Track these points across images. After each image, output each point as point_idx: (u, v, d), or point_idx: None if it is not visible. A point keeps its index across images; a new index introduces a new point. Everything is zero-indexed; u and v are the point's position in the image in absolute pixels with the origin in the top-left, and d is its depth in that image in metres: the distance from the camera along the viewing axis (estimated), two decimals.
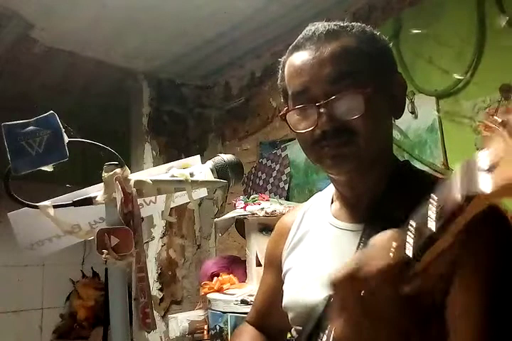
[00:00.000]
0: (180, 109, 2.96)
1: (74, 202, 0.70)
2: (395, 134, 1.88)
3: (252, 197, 2.08)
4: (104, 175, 0.69)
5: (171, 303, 2.68)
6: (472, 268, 0.60)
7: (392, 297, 0.42)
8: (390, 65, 0.76)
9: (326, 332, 0.61)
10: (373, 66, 0.71)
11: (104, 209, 0.69)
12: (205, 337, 2.10)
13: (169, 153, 2.82)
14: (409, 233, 0.41)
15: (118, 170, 0.68)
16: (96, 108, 3.05)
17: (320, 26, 0.73)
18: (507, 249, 0.62)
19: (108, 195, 0.68)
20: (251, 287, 1.91)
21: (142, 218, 0.72)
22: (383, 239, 0.44)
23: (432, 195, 0.39)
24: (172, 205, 0.78)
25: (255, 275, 1.95)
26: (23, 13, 2.09)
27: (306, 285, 0.75)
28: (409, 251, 0.41)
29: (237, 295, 1.81)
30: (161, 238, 2.71)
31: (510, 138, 0.32)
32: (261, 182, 2.57)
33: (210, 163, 0.79)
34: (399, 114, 0.76)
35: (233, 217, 2.01)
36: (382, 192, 0.70)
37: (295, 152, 2.33)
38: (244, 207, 1.99)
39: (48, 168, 0.66)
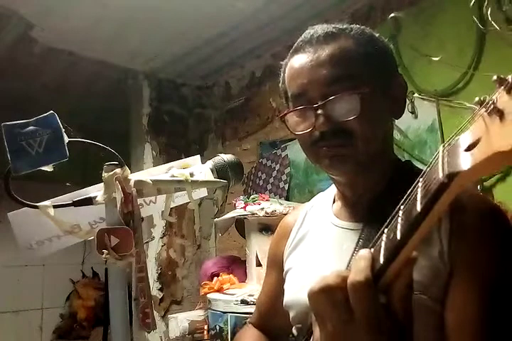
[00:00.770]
0: (180, 109, 2.96)
1: (74, 202, 0.70)
2: (395, 134, 1.88)
3: (252, 197, 2.08)
4: (104, 175, 0.68)
5: (171, 303, 2.68)
6: (471, 268, 0.60)
7: (369, 308, 0.42)
8: (389, 66, 0.76)
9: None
10: (371, 67, 0.71)
11: (104, 209, 0.69)
12: (205, 337, 2.10)
13: (169, 153, 2.82)
14: (398, 219, 0.41)
15: (118, 170, 0.68)
16: (96, 108, 3.05)
17: (319, 29, 0.74)
18: (507, 249, 0.62)
19: (108, 195, 0.68)
20: (251, 287, 1.91)
21: (142, 218, 0.72)
22: (357, 256, 0.44)
23: (419, 178, 0.40)
24: (172, 205, 0.78)
25: (255, 275, 1.95)
26: (23, 13, 2.09)
27: (307, 284, 0.75)
28: (381, 259, 0.41)
29: (237, 295, 1.81)
30: (161, 238, 2.71)
31: (489, 117, 0.32)
32: (261, 182, 2.57)
33: (210, 163, 0.79)
34: (399, 114, 0.77)
35: (233, 217, 2.01)
36: (382, 191, 0.71)
37: (295, 152, 2.32)
38: (244, 207, 1.99)
39: (48, 168, 0.66)
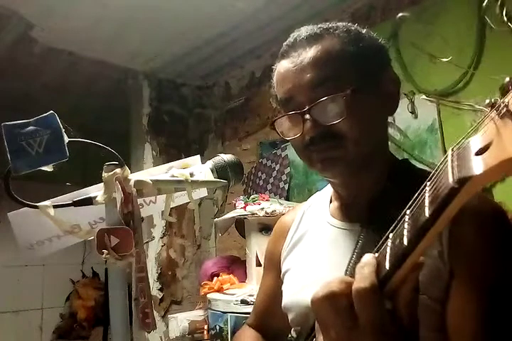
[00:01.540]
0: (180, 109, 2.96)
1: (74, 202, 0.70)
2: (395, 134, 1.88)
3: (252, 197, 2.08)
4: (104, 175, 0.68)
5: (171, 303, 2.68)
6: (471, 269, 0.60)
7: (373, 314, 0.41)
8: (378, 62, 0.74)
9: None
10: (358, 66, 0.70)
11: (104, 209, 0.69)
12: (205, 337, 2.10)
13: (169, 153, 2.82)
14: (404, 224, 0.40)
15: (118, 170, 0.68)
16: (96, 108, 3.05)
17: (303, 31, 0.73)
18: (508, 249, 0.61)
19: (108, 195, 0.68)
20: (251, 287, 1.91)
21: (142, 218, 0.72)
22: (362, 262, 0.44)
23: (426, 182, 0.39)
24: (172, 205, 0.78)
25: (255, 276, 1.95)
26: (23, 13, 2.09)
27: (305, 286, 0.75)
28: (387, 264, 0.41)
29: (237, 295, 1.81)
30: (161, 238, 2.71)
31: (500, 120, 0.31)
32: (261, 182, 2.57)
33: (210, 163, 0.79)
34: (392, 110, 0.75)
35: (233, 217, 2.01)
36: (380, 191, 0.70)
37: (295, 152, 2.32)
38: (244, 207, 1.99)
39: (48, 168, 0.66)
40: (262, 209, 1.92)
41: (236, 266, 2.18)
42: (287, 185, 2.41)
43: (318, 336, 0.48)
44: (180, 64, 2.70)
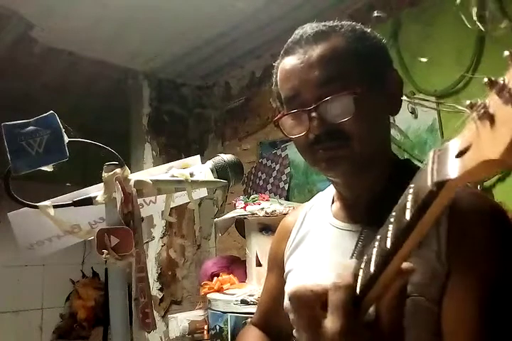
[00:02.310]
0: (180, 109, 2.96)
1: (74, 202, 0.70)
2: (395, 134, 1.88)
3: (252, 197, 2.08)
4: (104, 175, 0.69)
5: (171, 303, 2.68)
6: (469, 269, 0.59)
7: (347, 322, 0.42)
8: (382, 62, 0.74)
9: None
10: (364, 65, 0.70)
11: (104, 209, 0.69)
12: (205, 337, 2.10)
13: (169, 153, 2.82)
14: (389, 226, 0.40)
15: (118, 170, 0.68)
16: (96, 108, 3.05)
17: (308, 28, 0.73)
18: (507, 249, 0.61)
19: (108, 195, 0.68)
20: (251, 287, 1.91)
21: (142, 218, 0.72)
22: (343, 268, 0.44)
23: (410, 184, 0.39)
24: (172, 205, 0.78)
25: (255, 276, 1.95)
26: (23, 13, 2.09)
27: None
28: (372, 267, 0.41)
29: (237, 295, 1.81)
30: (161, 238, 2.71)
31: (480, 122, 0.31)
32: (261, 182, 2.57)
33: (210, 163, 0.79)
34: (395, 111, 0.75)
35: (233, 217, 2.01)
36: (381, 191, 0.70)
37: (295, 152, 2.31)
38: (244, 207, 1.99)
39: (48, 168, 0.66)
40: (262, 209, 1.92)
41: (236, 266, 2.18)
42: (287, 185, 2.41)
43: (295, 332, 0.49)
44: (180, 64, 2.70)
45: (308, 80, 0.69)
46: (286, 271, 0.85)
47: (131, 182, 0.69)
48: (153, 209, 0.83)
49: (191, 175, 0.75)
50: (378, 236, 0.43)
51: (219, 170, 0.78)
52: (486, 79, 0.30)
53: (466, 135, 0.32)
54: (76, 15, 2.12)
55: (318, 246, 0.79)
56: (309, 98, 0.69)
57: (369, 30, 0.75)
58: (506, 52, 0.29)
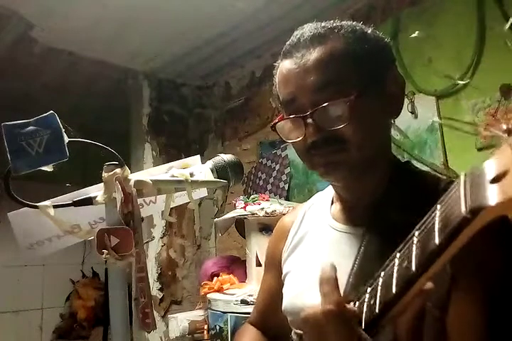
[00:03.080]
0: (180, 109, 2.96)
1: (74, 202, 0.70)
2: (395, 134, 1.88)
3: (252, 197, 2.08)
4: (104, 175, 0.68)
5: (171, 303, 2.68)
6: (473, 273, 0.58)
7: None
8: (383, 63, 0.73)
9: None
10: (363, 67, 0.68)
11: (104, 209, 0.69)
12: (205, 337, 2.10)
13: (169, 153, 2.82)
14: (413, 247, 0.39)
15: (118, 170, 0.68)
16: (96, 108, 3.06)
17: (307, 30, 0.71)
18: (510, 252, 0.60)
19: (108, 195, 0.68)
20: (251, 287, 1.91)
21: (142, 218, 0.72)
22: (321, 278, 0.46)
23: (437, 205, 0.37)
24: (172, 205, 0.78)
25: (255, 276, 1.95)
26: (23, 13, 2.09)
27: (305, 289, 0.74)
28: (394, 288, 0.41)
29: (237, 295, 1.81)
30: (161, 238, 2.71)
31: None
32: (261, 182, 2.57)
33: (210, 163, 0.79)
34: (396, 113, 0.74)
35: (233, 217, 2.01)
36: (382, 194, 0.69)
37: (295, 152, 2.32)
38: (244, 207, 1.98)
39: (48, 168, 0.66)
40: (262, 209, 1.92)
41: (236, 266, 2.18)
42: (287, 185, 2.41)
43: None
44: (180, 64, 2.70)
45: (304, 85, 0.68)
46: (284, 272, 0.84)
47: (131, 182, 0.69)
48: (153, 209, 0.83)
49: (191, 175, 0.75)
50: (398, 255, 0.41)
51: (219, 170, 0.78)
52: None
53: (502, 160, 0.31)
54: (76, 15, 2.12)
55: (318, 248, 0.78)
56: (305, 103, 0.68)
57: (370, 31, 0.73)
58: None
